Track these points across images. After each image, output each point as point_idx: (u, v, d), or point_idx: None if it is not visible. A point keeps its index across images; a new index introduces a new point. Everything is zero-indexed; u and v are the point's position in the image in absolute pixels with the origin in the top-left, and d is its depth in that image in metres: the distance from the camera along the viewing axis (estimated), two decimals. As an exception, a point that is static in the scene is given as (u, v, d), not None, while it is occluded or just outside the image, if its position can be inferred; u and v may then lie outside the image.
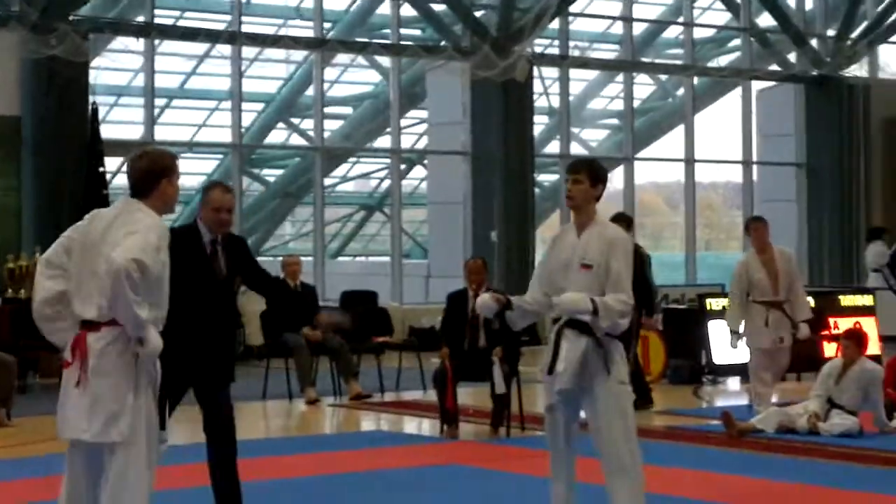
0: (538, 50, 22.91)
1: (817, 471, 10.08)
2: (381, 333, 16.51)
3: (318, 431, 13.00)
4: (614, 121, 26.77)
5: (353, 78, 25.28)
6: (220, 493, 7.91)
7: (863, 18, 25.67)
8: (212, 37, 20.72)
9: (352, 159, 26.77)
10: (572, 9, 23.03)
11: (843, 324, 15.63)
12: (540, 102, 23.92)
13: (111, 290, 5.56)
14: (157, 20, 19.97)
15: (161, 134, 21.01)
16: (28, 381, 14.08)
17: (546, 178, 25.65)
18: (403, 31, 22.30)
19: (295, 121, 25.04)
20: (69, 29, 17.41)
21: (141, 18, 19.74)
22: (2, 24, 17.31)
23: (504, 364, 11.58)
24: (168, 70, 22.89)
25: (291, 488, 9.30)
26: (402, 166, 23.85)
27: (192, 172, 24.86)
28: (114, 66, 21.49)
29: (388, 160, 24.34)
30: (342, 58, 23.51)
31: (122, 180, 18.22)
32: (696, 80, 24.89)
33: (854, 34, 25.45)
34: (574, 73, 23.96)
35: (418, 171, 26.78)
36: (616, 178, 24.20)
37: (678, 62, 25.09)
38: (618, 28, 24.78)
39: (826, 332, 15.66)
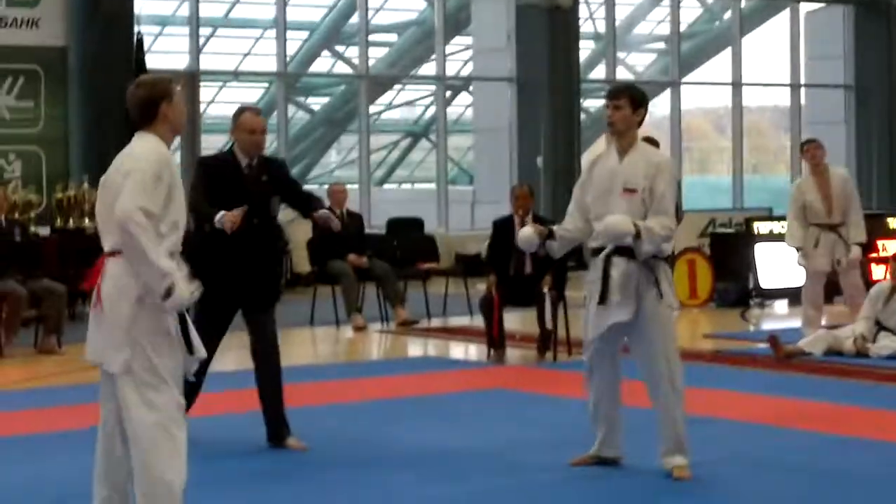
0: (584, -26, 22.75)
1: (865, 392, 10.06)
2: (428, 260, 16.57)
3: (365, 357, 13.07)
4: (661, 45, 26.52)
5: (397, 5, 25.13)
6: (270, 415, 8.01)
7: (913, -63, 25.33)
8: (256, -36, 20.67)
9: (397, 86, 26.65)
10: (618, -68, 22.85)
11: (891, 246, 15.53)
12: (586, 27, 23.71)
13: (123, 247, 5.49)
14: (201, -51, 19.91)
15: (206, 63, 21.02)
16: (77, 309, 14.19)
17: (592, 104, 25.48)
18: (449, -44, 22.18)
19: (340, 49, 24.94)
20: (114, -41, 17.38)
21: (185, -52, 19.72)
22: (46, -44, 17.30)
23: (553, 292, 11.60)
24: (213, -1, 22.88)
25: (339, 413, 9.34)
26: (448, 93, 23.78)
27: (237, 101, 24.86)
28: (159, -5, 21.48)
29: (433, 87, 24.27)
30: (387, -16, 23.44)
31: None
32: (743, 2, 24.63)
33: (904, -47, 25.12)
34: (620, -4, 23.81)
35: (464, 98, 26.64)
36: (662, 103, 24.06)
37: (726, -16, 24.89)
38: (664, -50, 24.58)
39: (874, 255, 15.56)
